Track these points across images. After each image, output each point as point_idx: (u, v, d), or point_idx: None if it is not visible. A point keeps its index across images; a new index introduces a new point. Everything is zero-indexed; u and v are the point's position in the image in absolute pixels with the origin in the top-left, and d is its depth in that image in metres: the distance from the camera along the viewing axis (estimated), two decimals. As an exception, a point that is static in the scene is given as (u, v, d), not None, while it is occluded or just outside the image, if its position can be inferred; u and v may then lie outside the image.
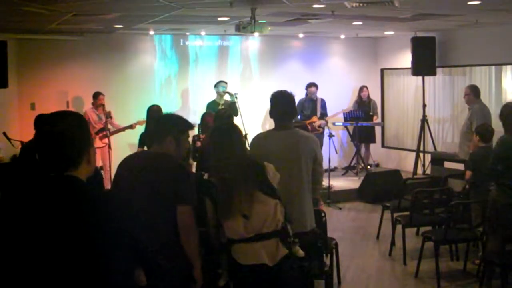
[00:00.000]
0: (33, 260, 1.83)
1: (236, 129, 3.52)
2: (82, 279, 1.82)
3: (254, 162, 3.34)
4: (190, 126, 3.38)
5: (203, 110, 8.62)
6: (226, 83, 9.14)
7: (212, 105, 8.79)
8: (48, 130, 1.95)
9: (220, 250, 3.29)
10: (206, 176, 3.58)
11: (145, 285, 2.09)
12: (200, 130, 6.98)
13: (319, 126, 9.75)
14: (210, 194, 3.27)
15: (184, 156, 3.44)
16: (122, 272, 1.92)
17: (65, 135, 1.93)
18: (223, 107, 8.84)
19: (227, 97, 9.08)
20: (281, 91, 4.02)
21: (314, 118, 9.76)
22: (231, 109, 8.89)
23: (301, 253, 3.47)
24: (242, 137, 3.48)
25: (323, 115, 9.91)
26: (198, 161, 6.13)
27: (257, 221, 3.20)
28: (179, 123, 3.34)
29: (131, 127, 8.58)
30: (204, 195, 3.29)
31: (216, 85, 9.11)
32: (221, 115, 6.16)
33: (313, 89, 9.83)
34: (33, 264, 1.83)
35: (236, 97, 9.05)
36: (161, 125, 3.37)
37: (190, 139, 7.66)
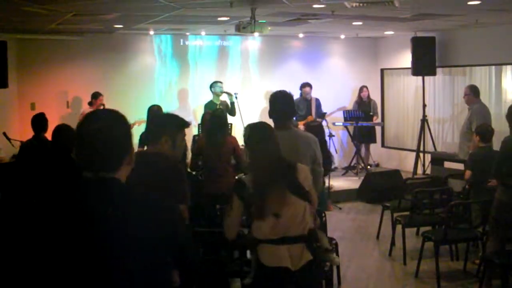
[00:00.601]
0: (75, 264, 1.77)
1: (269, 128, 3.40)
2: (127, 281, 1.78)
3: (286, 162, 3.24)
4: (186, 125, 3.33)
5: (203, 110, 8.63)
6: (222, 83, 9.14)
7: (209, 106, 8.80)
8: (91, 130, 1.84)
9: (251, 248, 3.25)
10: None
11: (178, 286, 2.07)
12: (200, 129, 6.98)
13: None
14: (241, 192, 3.20)
15: (181, 155, 3.41)
16: (161, 275, 1.86)
17: (109, 136, 1.83)
18: (220, 107, 8.85)
19: (223, 97, 9.07)
20: (280, 91, 4.01)
21: (310, 118, 9.77)
22: (229, 109, 8.90)
23: (337, 261, 3.42)
24: (275, 136, 3.35)
25: (323, 114, 9.92)
26: (192, 160, 6.03)
27: (285, 222, 3.14)
28: (174, 122, 3.31)
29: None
30: (233, 192, 3.25)
31: (212, 86, 9.11)
32: (218, 115, 6.11)
33: (307, 89, 9.85)
34: (76, 268, 1.77)
35: (236, 97, 9.06)
36: (156, 124, 3.34)
37: (190, 138, 7.71)
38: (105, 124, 1.85)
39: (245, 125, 8.46)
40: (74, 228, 1.79)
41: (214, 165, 5.63)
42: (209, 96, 9.33)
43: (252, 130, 3.43)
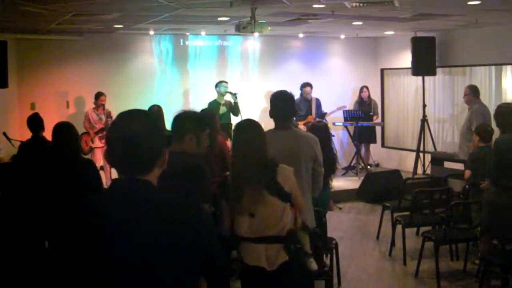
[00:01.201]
0: (108, 264, 1.77)
1: (255, 126, 3.38)
2: (151, 285, 1.77)
3: (267, 162, 3.22)
4: (210, 124, 3.35)
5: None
6: (227, 83, 9.17)
7: (213, 105, 8.81)
8: (123, 132, 1.82)
9: (234, 246, 3.26)
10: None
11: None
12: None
13: None
14: (226, 194, 3.25)
15: (204, 154, 3.38)
16: (190, 280, 1.86)
17: (143, 139, 1.81)
18: (223, 107, 8.85)
19: (228, 97, 9.09)
20: (281, 91, 4.02)
21: (310, 118, 9.77)
22: (232, 108, 8.90)
23: (313, 266, 3.44)
24: (261, 135, 3.33)
25: (324, 114, 9.93)
26: None
27: (260, 221, 3.16)
28: (198, 120, 3.30)
29: None
30: (220, 196, 3.28)
31: (217, 85, 9.14)
32: (206, 111, 6.03)
33: (308, 89, 9.85)
34: (105, 265, 1.78)
35: (236, 97, 9.06)
36: (180, 122, 3.28)
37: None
38: (137, 126, 1.82)
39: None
40: (102, 228, 1.78)
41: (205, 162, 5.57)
42: (208, 96, 9.34)
43: (237, 128, 3.44)
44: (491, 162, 5.07)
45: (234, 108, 8.96)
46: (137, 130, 1.81)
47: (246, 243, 3.19)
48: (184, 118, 3.31)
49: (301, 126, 9.27)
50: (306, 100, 9.87)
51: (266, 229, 3.16)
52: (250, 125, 3.37)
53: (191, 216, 1.87)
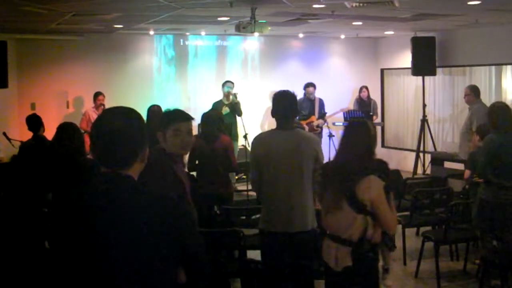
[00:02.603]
0: (84, 258, 1.82)
1: (359, 128, 3.45)
2: (130, 276, 1.81)
3: (350, 169, 3.28)
4: (176, 119, 3.30)
5: (203, 110, 8.60)
6: (232, 83, 9.11)
7: (217, 105, 8.81)
8: (105, 127, 1.89)
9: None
10: None
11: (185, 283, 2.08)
12: (199, 129, 6.97)
13: (317, 126, 9.77)
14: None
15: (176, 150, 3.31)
16: (167, 273, 1.89)
17: (123, 133, 1.87)
18: (227, 108, 8.83)
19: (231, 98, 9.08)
20: (283, 91, 4.03)
21: (313, 118, 9.78)
22: (234, 109, 8.87)
23: (387, 283, 3.70)
24: (363, 137, 3.37)
25: (324, 114, 9.92)
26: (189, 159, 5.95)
27: (334, 222, 3.34)
28: (162, 117, 3.39)
29: None
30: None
31: (222, 85, 9.11)
32: (208, 112, 6.02)
33: (311, 89, 9.84)
34: (84, 262, 1.82)
35: (236, 97, 9.06)
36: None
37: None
38: (118, 122, 1.88)
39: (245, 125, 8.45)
40: (80, 221, 1.83)
41: (208, 162, 5.57)
42: (208, 96, 9.35)
43: (347, 129, 3.61)
44: (482, 160, 5.10)
45: (236, 109, 8.91)
46: (118, 126, 1.87)
47: (325, 238, 3.40)
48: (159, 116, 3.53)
49: (305, 126, 9.30)
50: (309, 100, 9.86)
51: (339, 231, 3.31)
52: (354, 129, 3.52)
53: (170, 210, 1.91)
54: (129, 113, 1.94)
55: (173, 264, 1.92)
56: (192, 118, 3.35)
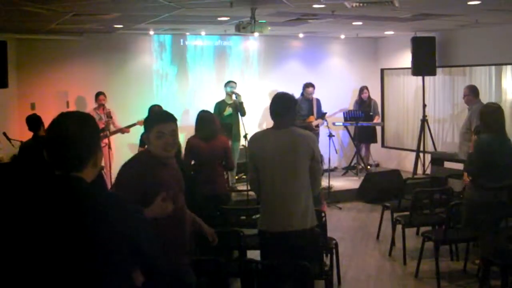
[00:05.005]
0: (32, 258, 1.84)
1: None
2: (79, 280, 1.83)
3: None
4: (158, 120, 3.22)
5: (212, 108, 8.59)
6: (235, 83, 9.11)
7: (220, 105, 8.81)
8: (56, 131, 1.94)
9: None
10: None
11: (143, 285, 2.10)
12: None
13: (316, 126, 9.79)
14: None
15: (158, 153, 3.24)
16: (120, 275, 1.92)
17: (73, 137, 1.92)
18: (229, 108, 8.82)
19: (234, 98, 9.07)
20: (282, 92, 4.06)
21: (311, 118, 9.78)
22: (238, 109, 8.86)
23: None
24: None
25: (324, 114, 9.93)
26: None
27: None
28: (145, 119, 3.34)
29: (130, 126, 8.60)
30: None
31: (225, 85, 9.11)
32: (204, 112, 6.01)
33: (310, 89, 9.84)
34: (32, 262, 1.84)
35: (236, 97, 9.06)
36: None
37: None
38: (71, 126, 1.93)
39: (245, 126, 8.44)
40: (29, 222, 1.87)
41: (207, 162, 5.56)
42: (208, 96, 9.33)
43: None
44: (470, 160, 5.13)
45: (239, 109, 8.89)
46: (70, 130, 1.92)
47: None
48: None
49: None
50: (307, 100, 9.87)
51: None
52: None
53: (119, 210, 1.95)
54: (83, 119, 1.99)
55: (126, 265, 1.95)
56: (175, 119, 3.25)
